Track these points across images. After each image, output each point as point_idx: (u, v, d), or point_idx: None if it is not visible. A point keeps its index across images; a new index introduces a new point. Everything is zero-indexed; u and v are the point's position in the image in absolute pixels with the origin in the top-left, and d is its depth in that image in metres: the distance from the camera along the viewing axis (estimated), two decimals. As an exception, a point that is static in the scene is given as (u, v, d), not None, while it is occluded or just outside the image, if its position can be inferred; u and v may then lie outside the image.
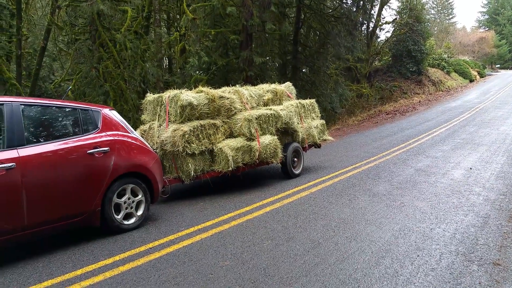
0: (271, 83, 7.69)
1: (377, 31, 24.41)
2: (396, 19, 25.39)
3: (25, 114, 3.80)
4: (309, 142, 7.34)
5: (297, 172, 6.90)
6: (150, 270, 3.34)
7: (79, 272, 3.34)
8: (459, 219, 4.28)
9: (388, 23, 25.35)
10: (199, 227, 4.46)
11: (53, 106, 4.17)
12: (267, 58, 16.89)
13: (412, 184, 5.89)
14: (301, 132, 7.02)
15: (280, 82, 7.94)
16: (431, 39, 29.90)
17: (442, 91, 25.37)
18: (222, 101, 6.18)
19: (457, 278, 2.96)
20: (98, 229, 4.32)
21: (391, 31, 25.89)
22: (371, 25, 23.59)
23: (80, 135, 4.20)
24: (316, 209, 4.87)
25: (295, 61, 16.34)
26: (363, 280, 2.97)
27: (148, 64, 15.29)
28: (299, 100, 7.50)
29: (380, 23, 24.19)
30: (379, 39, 26.22)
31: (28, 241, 3.81)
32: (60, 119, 4.23)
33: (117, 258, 3.64)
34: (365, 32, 23.58)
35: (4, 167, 3.39)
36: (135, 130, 5.67)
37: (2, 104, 3.66)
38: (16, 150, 3.55)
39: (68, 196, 3.87)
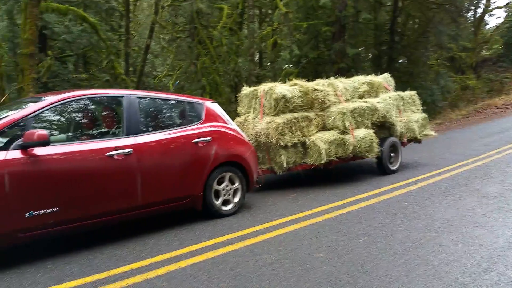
0: (365, 75, 7.47)
1: (485, 17, 22.09)
2: (509, 3, 22.70)
3: (140, 105, 4.20)
4: (408, 136, 6.97)
5: (394, 168, 6.61)
6: (248, 255, 3.48)
7: (184, 250, 3.62)
8: None
9: (500, 8, 22.79)
10: (292, 217, 4.52)
11: (163, 99, 4.56)
12: (361, 49, 16.32)
13: (529, 186, 5.28)
14: (399, 126, 6.70)
15: (375, 74, 7.65)
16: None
17: None
18: (316, 93, 6.15)
19: None
20: (199, 212, 4.62)
21: (503, 17, 23.24)
22: (479, 10, 21.46)
23: (186, 126, 4.52)
24: (416, 208, 4.62)
25: (391, 52, 15.55)
26: (471, 285, 2.76)
27: (241, 59, 15.81)
28: (398, 92, 7.15)
29: (489, 8, 21.85)
30: (487, 26, 23.73)
31: (140, 219, 4.22)
32: (169, 110, 4.62)
33: (217, 240, 3.86)
34: (472, 18, 21.49)
35: (124, 152, 3.80)
36: (230, 121, 5.95)
37: (122, 97, 4.10)
38: (133, 137, 3.95)
39: (176, 180, 4.21)
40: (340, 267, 3.14)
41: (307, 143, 5.95)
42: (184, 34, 16.65)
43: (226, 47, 16.00)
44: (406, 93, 7.27)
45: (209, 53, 15.61)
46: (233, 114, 7.14)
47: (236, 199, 4.84)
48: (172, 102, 4.68)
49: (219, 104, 5.16)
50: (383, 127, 6.62)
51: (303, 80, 6.47)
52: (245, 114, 6.56)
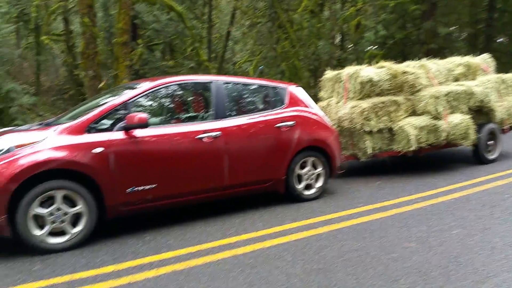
0: (460, 56, 6.90)
1: None
2: None
3: (227, 90, 4.34)
4: (509, 123, 6.34)
5: (492, 157, 6.07)
6: (332, 240, 3.46)
7: (268, 231, 3.70)
8: None
9: None
10: (378, 205, 4.39)
11: (248, 84, 4.67)
12: (454, 28, 15.07)
13: None
14: (499, 112, 6.10)
15: (472, 55, 7.02)
16: None
17: None
18: (405, 76, 5.84)
19: None
20: (281, 196, 4.69)
21: None
22: None
23: (270, 110, 4.58)
24: (518, 200, 4.22)
25: (489, 30, 14.12)
26: None
27: (322, 42, 15.52)
28: (499, 75, 6.50)
29: None
30: None
31: (227, 199, 4.40)
32: (253, 95, 4.73)
33: (301, 223, 3.90)
34: None
35: (212, 135, 3.97)
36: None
37: (211, 82, 4.27)
38: (221, 121, 4.11)
39: (260, 163, 4.31)
40: (432, 259, 2.99)
41: (395, 129, 5.69)
42: (265, 19, 16.74)
43: (307, 30, 15.79)
44: (508, 76, 6.57)
45: (289, 37, 15.53)
46: (313, 99, 7.03)
47: (319, 184, 4.82)
48: (256, 87, 4.76)
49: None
50: (480, 113, 6.07)
51: (390, 62, 6.16)
52: (327, 98, 6.45)
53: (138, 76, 11.85)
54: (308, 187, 4.77)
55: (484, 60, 6.79)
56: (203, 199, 4.07)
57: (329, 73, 6.53)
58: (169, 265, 3.01)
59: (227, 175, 4.06)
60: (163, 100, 4.24)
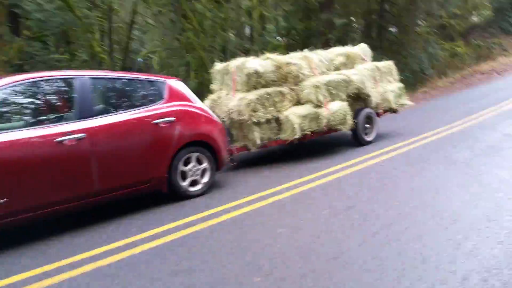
0: (354, 46, 7.32)
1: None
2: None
3: (94, 86, 4.04)
4: (384, 107, 6.86)
5: (369, 139, 6.53)
6: (209, 235, 3.44)
7: (144, 235, 3.53)
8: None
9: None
10: (260, 194, 4.46)
11: (120, 79, 4.39)
12: (350, 19, 15.91)
13: (495, 150, 5.23)
14: (374, 97, 6.57)
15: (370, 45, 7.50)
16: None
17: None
18: (289, 67, 5.99)
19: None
20: (167, 195, 4.55)
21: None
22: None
23: (146, 106, 4.37)
24: (383, 178, 4.62)
25: (381, 21, 15.16)
26: (422, 251, 2.71)
27: (228, 33, 15.42)
28: (374, 63, 6.99)
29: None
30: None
31: (101, 206, 4.13)
32: (127, 90, 4.46)
33: (179, 223, 3.79)
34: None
35: (75, 137, 3.66)
36: (205, 99, 5.84)
37: (73, 78, 3.92)
38: (86, 121, 3.81)
39: (136, 163, 4.11)
40: (297, 241, 3.12)
41: (281, 119, 5.83)
42: (168, 8, 16.17)
43: (210, 21, 15.55)
44: (383, 63, 7.11)
45: (194, 27, 15.19)
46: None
47: (205, 179, 4.75)
48: (129, 81, 4.46)
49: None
50: (358, 99, 6.47)
51: (292, 53, 6.36)
52: (218, 91, 6.41)
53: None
54: (194, 183, 4.68)
55: (362, 49, 7.24)
56: (70, 208, 3.73)
57: (218, 65, 6.48)
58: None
59: (96, 180, 3.78)
60: (16, 100, 3.74)
